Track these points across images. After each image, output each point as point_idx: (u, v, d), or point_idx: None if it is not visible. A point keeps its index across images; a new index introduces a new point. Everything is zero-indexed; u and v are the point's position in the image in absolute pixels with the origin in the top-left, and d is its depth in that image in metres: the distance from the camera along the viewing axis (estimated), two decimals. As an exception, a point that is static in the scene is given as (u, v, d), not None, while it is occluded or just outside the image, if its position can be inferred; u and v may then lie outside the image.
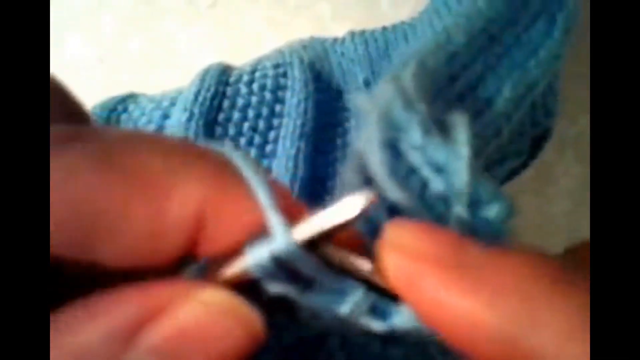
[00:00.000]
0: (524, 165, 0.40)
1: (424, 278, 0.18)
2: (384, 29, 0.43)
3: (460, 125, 0.20)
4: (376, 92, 0.22)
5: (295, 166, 0.37)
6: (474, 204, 0.20)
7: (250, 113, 0.39)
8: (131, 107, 0.40)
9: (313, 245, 0.19)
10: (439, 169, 0.20)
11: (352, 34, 0.43)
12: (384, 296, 0.20)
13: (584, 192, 0.42)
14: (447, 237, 0.19)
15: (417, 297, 0.18)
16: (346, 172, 0.22)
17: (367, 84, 0.42)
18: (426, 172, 0.20)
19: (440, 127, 0.21)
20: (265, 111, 0.39)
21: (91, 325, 0.18)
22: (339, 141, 0.40)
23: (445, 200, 0.20)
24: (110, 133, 0.20)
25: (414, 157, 0.20)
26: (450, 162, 0.20)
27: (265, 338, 0.19)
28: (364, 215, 0.19)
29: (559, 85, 0.39)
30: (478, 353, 0.18)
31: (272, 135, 0.39)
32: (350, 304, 0.20)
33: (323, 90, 0.41)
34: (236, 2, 0.47)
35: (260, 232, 0.19)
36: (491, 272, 0.18)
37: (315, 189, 0.38)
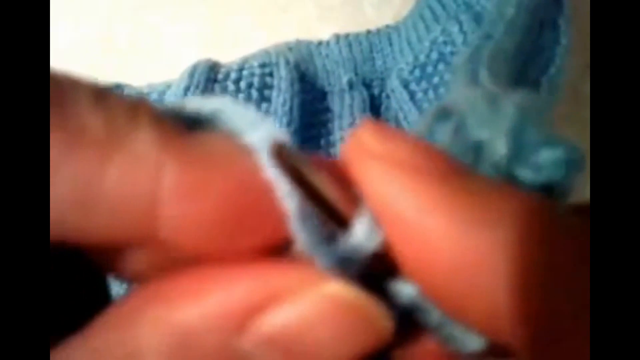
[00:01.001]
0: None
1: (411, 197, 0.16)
2: (369, 32, 0.44)
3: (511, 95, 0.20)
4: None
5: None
6: (520, 149, 0.19)
7: (237, 111, 0.40)
8: (118, 100, 0.40)
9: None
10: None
11: (337, 37, 0.44)
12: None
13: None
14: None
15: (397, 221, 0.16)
16: None
17: (350, 85, 0.43)
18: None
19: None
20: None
21: (198, 304, 0.16)
22: (322, 141, 0.41)
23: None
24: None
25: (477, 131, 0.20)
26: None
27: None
28: None
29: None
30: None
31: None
32: None
33: (307, 91, 0.42)
34: (223, -1, 0.47)
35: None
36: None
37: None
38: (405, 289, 0.18)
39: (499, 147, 0.19)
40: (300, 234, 0.17)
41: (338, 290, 0.16)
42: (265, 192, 0.16)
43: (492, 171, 0.19)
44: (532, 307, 0.15)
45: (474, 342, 0.17)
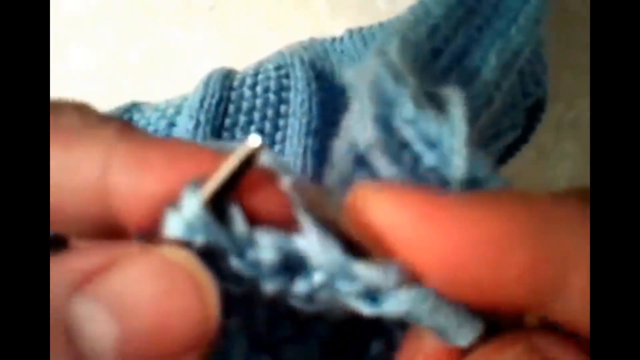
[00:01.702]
0: (523, 140, 0.41)
1: (427, 220, 0.18)
2: (381, 24, 0.44)
3: (455, 100, 0.20)
4: (364, 67, 0.22)
5: (304, 164, 0.38)
6: (470, 181, 0.20)
7: (256, 116, 0.40)
8: (136, 116, 0.40)
9: (222, 201, 0.19)
10: (432, 144, 0.20)
11: (350, 32, 0.44)
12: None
13: (582, 175, 0.43)
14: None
15: (417, 247, 0.18)
16: (337, 148, 0.22)
17: (368, 79, 0.42)
18: (419, 146, 0.20)
19: (432, 102, 0.20)
20: (270, 113, 0.40)
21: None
22: (344, 138, 0.41)
23: (438, 176, 0.20)
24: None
25: (407, 132, 0.20)
26: (444, 136, 0.20)
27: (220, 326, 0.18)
28: (255, 162, 0.19)
29: (545, 54, 0.39)
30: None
31: (279, 136, 0.39)
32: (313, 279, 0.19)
33: (326, 89, 0.41)
34: (234, 4, 0.47)
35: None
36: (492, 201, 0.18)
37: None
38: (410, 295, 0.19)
39: (456, 176, 0.20)
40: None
41: (169, 252, 0.18)
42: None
43: None
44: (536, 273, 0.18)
45: (468, 336, 0.19)
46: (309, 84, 0.40)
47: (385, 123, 0.20)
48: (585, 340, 0.18)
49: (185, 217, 0.18)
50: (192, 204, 0.18)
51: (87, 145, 0.19)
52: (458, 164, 0.20)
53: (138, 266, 0.17)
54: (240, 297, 0.20)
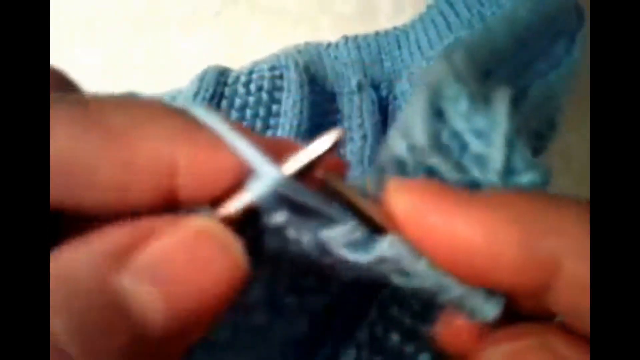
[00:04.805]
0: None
1: (433, 211, 0.20)
2: (377, 34, 0.45)
3: (502, 98, 0.23)
4: (428, 69, 0.24)
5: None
6: (509, 170, 0.22)
7: (248, 113, 0.40)
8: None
9: (301, 177, 0.21)
10: (480, 134, 0.22)
11: (346, 39, 0.45)
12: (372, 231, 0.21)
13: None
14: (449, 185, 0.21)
15: (424, 230, 0.20)
16: (391, 139, 0.24)
17: (359, 87, 0.43)
18: (468, 136, 0.22)
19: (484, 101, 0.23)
20: (262, 111, 0.40)
21: (83, 248, 0.18)
22: (332, 142, 0.42)
23: (481, 165, 0.22)
24: (88, 96, 0.22)
25: (459, 123, 0.22)
26: (490, 130, 0.22)
27: (248, 274, 0.20)
28: (335, 147, 0.21)
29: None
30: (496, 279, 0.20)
31: (269, 134, 0.40)
32: (338, 230, 0.21)
33: (317, 93, 0.42)
34: (238, 13, 0.48)
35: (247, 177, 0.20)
36: (496, 203, 0.20)
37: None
38: (430, 274, 0.21)
39: (494, 165, 0.22)
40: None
41: (200, 223, 0.20)
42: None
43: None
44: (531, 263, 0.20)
45: (492, 309, 0.21)
46: (301, 87, 0.41)
47: (438, 117, 0.23)
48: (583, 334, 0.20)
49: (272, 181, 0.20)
50: (273, 176, 0.20)
51: (144, 152, 0.20)
52: (496, 156, 0.22)
53: (169, 237, 0.19)
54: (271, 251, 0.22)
